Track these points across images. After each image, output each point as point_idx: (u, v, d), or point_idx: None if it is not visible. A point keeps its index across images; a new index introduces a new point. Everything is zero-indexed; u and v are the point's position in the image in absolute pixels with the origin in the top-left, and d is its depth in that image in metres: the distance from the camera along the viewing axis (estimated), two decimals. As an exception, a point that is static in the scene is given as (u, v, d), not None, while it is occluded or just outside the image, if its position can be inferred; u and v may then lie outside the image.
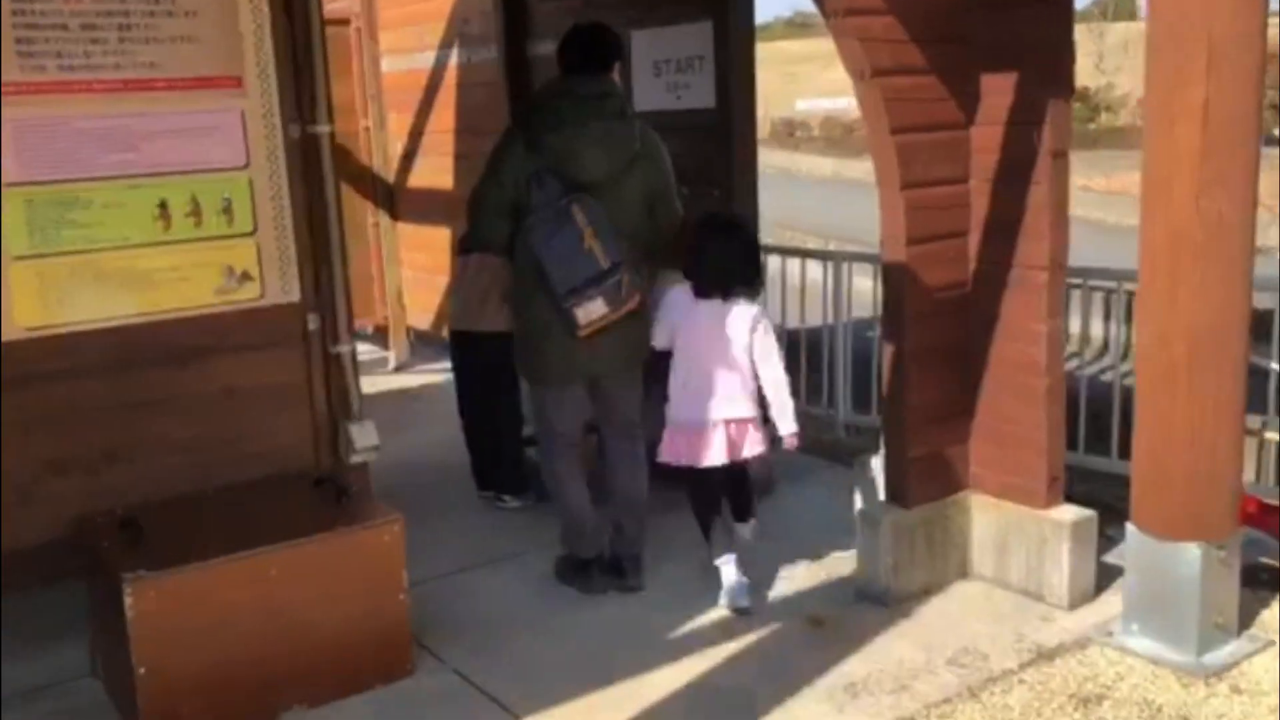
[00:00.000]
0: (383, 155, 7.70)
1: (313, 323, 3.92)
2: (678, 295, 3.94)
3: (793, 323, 6.28)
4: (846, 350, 5.93)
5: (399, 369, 7.79)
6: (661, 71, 5.27)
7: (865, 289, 5.85)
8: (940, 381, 3.92)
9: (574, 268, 3.58)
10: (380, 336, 8.08)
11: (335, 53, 7.80)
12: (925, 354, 3.88)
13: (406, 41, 7.40)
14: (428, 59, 7.17)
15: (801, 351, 6.03)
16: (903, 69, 3.65)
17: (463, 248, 5.01)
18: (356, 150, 7.70)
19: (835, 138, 39.62)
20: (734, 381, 3.86)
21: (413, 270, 7.79)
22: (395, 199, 7.78)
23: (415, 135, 7.44)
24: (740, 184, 4.98)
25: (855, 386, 5.96)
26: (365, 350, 8.32)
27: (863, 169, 20.71)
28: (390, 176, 7.75)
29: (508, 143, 3.79)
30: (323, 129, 3.84)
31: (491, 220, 3.81)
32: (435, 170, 7.30)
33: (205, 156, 3.69)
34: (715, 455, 3.85)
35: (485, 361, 4.80)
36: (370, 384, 7.10)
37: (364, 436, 3.97)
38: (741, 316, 3.88)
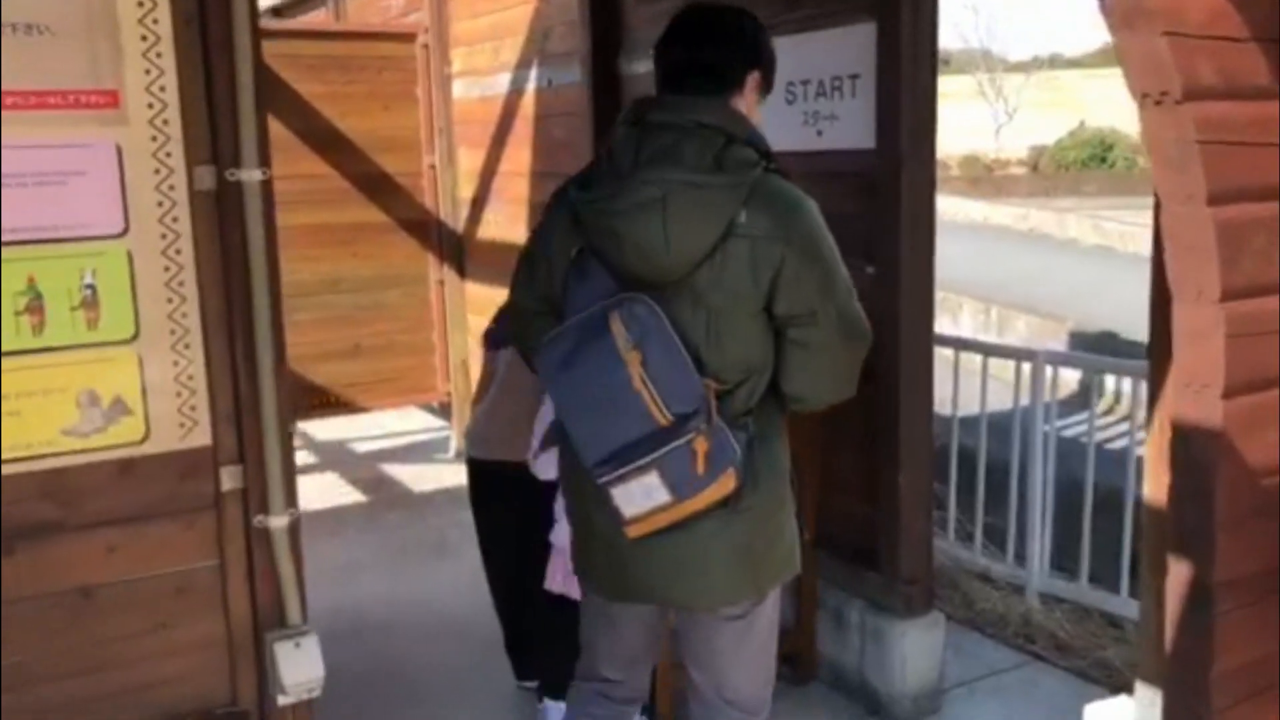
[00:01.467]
0: (450, 200, 6.35)
1: (230, 480, 2.47)
2: None
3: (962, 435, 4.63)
4: (1047, 479, 4.26)
5: (460, 456, 6.35)
6: (796, 97, 3.72)
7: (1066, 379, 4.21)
8: (1266, 633, 2.27)
9: (608, 421, 2.08)
10: (444, 410, 6.70)
11: (398, 76, 6.54)
12: (1244, 587, 2.23)
13: (480, 61, 6.01)
14: (502, 83, 5.76)
15: (980, 474, 4.39)
16: (1236, 90, 2.04)
17: (491, 341, 3.55)
18: (418, 193, 6.36)
19: (977, 177, 37.40)
20: None
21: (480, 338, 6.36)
22: (464, 253, 6.39)
23: (487, 176, 6.04)
24: (910, 260, 3.37)
25: (1058, 533, 4.29)
26: (423, 430, 7.02)
27: (1011, 214, 18.78)
28: (459, 226, 6.37)
29: (552, 207, 2.28)
30: (251, 175, 2.39)
31: (522, 324, 2.34)
32: (509, 220, 5.87)
33: (54, 217, 2.28)
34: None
35: (519, 504, 3.31)
36: (421, 476, 5.71)
37: (299, 666, 2.49)
38: None
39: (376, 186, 6.22)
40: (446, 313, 6.44)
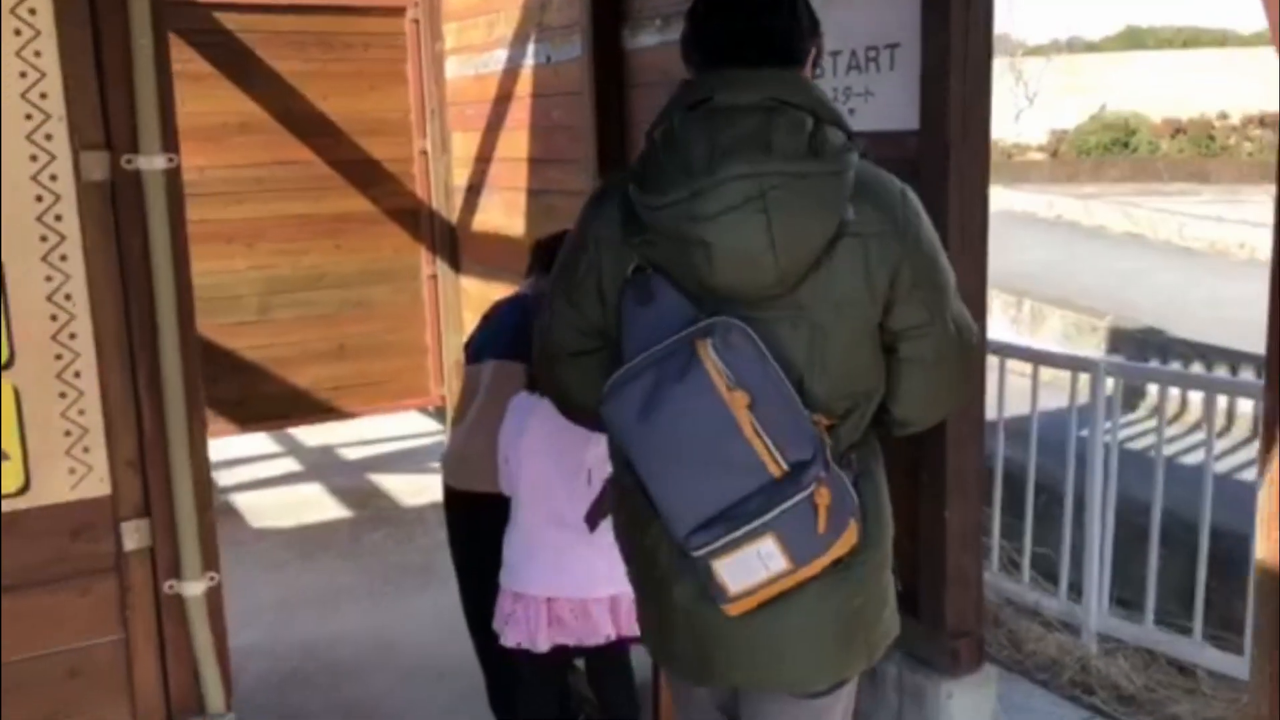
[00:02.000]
0: (443, 188, 5.86)
1: (134, 538, 2.01)
2: (518, 401, 2.78)
3: (1005, 447, 4.13)
4: (1107, 501, 3.77)
5: (456, 466, 5.88)
6: (824, 71, 3.22)
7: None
8: None
9: (707, 479, 1.66)
10: (439, 414, 6.23)
11: (386, 53, 6.06)
12: None
13: (474, 37, 5.52)
14: (498, 60, 5.28)
15: (1028, 495, 3.91)
16: None
17: (472, 352, 3.09)
18: (408, 180, 5.88)
19: (996, 163, 36.65)
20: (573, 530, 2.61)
21: (477, 340, 5.89)
22: (458, 245, 5.91)
23: (483, 162, 5.56)
24: (960, 262, 2.86)
25: (1117, 567, 3.80)
26: (416, 435, 6.56)
27: (1035, 200, 18.17)
28: (453, 216, 5.89)
29: (591, 217, 1.83)
30: (153, 163, 1.92)
31: (560, 369, 1.89)
32: (506, 209, 5.39)
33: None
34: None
35: (497, 539, 2.86)
36: (411, 488, 5.25)
37: (217, 767, 2.02)
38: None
39: (363, 173, 5.74)
40: (440, 310, 5.97)
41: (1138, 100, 30.08)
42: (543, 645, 2.74)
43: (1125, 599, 3.86)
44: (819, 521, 1.64)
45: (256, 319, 5.62)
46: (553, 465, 2.75)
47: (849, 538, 1.69)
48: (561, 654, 2.80)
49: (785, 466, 1.63)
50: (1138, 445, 5.72)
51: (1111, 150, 30.20)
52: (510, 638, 2.78)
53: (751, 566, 1.66)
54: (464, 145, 5.71)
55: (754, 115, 1.68)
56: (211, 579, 2.02)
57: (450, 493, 3.13)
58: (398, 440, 6.47)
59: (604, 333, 1.78)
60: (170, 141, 1.90)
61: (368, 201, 5.77)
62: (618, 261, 1.72)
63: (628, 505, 1.84)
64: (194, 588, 2.00)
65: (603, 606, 2.72)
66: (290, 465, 6.12)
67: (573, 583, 2.73)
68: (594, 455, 2.67)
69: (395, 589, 4.46)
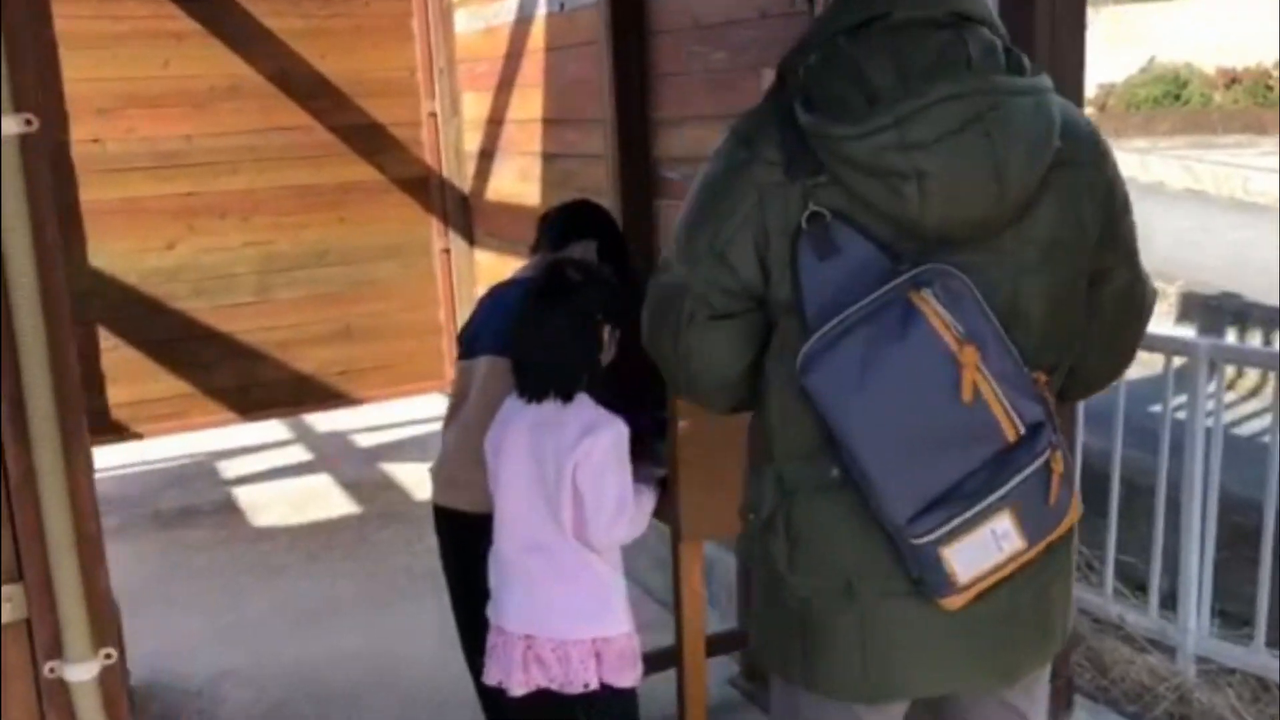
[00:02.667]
0: (455, 154, 5.40)
1: (7, 608, 1.57)
2: (506, 407, 2.42)
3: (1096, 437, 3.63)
4: (1208, 500, 3.26)
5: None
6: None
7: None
8: None
9: (937, 451, 1.44)
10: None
11: (390, 7, 5.53)
12: None
13: (483, -15, 5.04)
14: (509, 9, 4.79)
15: (1112, 493, 3.42)
16: None
17: (466, 344, 2.66)
18: (417, 146, 5.42)
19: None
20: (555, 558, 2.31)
21: (493, 318, 5.44)
22: (471, 216, 5.46)
23: (496, 125, 5.09)
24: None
25: (1219, 576, 3.30)
26: (434, 419, 6.13)
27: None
28: (465, 185, 5.43)
29: (743, 160, 1.52)
30: (5, 127, 1.46)
31: (696, 337, 1.57)
32: (521, 177, 4.92)
33: None
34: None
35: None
36: (425, 479, 4.81)
37: None
38: (571, 427, 2.28)
39: (367, 139, 5.30)
40: (454, 287, 5.54)
41: (1189, 51, 28.99)
42: (517, 688, 2.35)
43: (1230, 614, 3.37)
44: (1051, 492, 1.45)
45: (255, 299, 5.21)
46: (534, 481, 2.34)
47: (1074, 510, 1.51)
48: (548, 699, 2.37)
49: (1021, 430, 1.43)
50: (1244, 431, 5.18)
51: (1162, 103, 29.16)
52: (490, 674, 2.41)
53: (986, 548, 1.45)
54: (475, 106, 5.25)
55: (942, 31, 1.45)
56: (107, 657, 1.58)
57: (439, 511, 2.69)
58: (411, 425, 6.04)
59: (754, 293, 1.52)
60: (26, 97, 1.44)
61: (373, 170, 5.34)
62: (784, 210, 1.46)
63: (826, 506, 1.54)
64: (82, 670, 1.56)
65: (585, 650, 2.31)
66: (297, 454, 5.71)
67: (553, 620, 2.32)
68: (582, 466, 2.24)
69: (400, 598, 4.04)
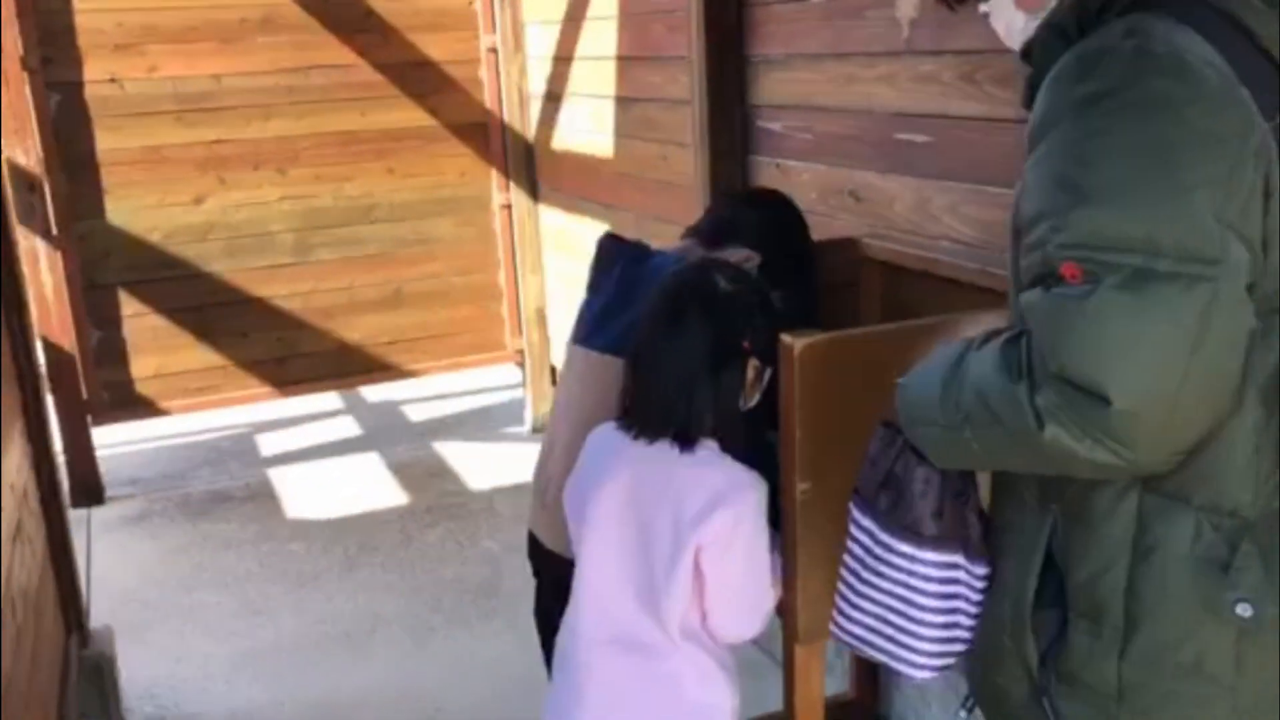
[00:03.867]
0: (518, 97, 4.76)
1: None
2: (599, 437, 1.86)
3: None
4: None
5: (539, 431, 4.90)
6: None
7: None
8: None
9: None
10: (519, 373, 5.21)
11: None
12: None
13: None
14: (580, -73, 4.11)
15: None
16: None
17: (594, 330, 2.05)
18: (474, 88, 4.79)
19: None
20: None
21: (558, 281, 4.83)
22: (536, 168, 4.82)
23: (564, 63, 4.42)
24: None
25: None
26: (494, 389, 5.57)
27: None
28: (529, 132, 4.79)
29: (1219, 92, 1.13)
30: None
31: (1225, 371, 1.14)
32: (592, 124, 4.26)
33: None
34: None
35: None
36: (483, 462, 4.24)
37: None
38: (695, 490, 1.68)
39: (418, 79, 4.68)
40: (515, 248, 4.92)
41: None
42: None
43: None
44: None
45: (294, 261, 4.65)
46: (631, 555, 1.75)
47: None
48: None
49: None
50: None
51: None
52: None
53: None
54: (541, 41, 4.58)
55: None
56: None
57: (536, 547, 2.10)
58: (471, 395, 5.49)
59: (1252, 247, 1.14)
60: None
61: (425, 114, 4.72)
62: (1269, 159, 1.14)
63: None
64: None
65: None
66: (342, 429, 5.19)
67: None
68: (711, 548, 1.65)
69: (445, 619, 3.49)
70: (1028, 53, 1.35)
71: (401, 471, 4.67)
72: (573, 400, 2.07)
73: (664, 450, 1.73)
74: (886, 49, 2.61)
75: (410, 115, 4.69)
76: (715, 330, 1.73)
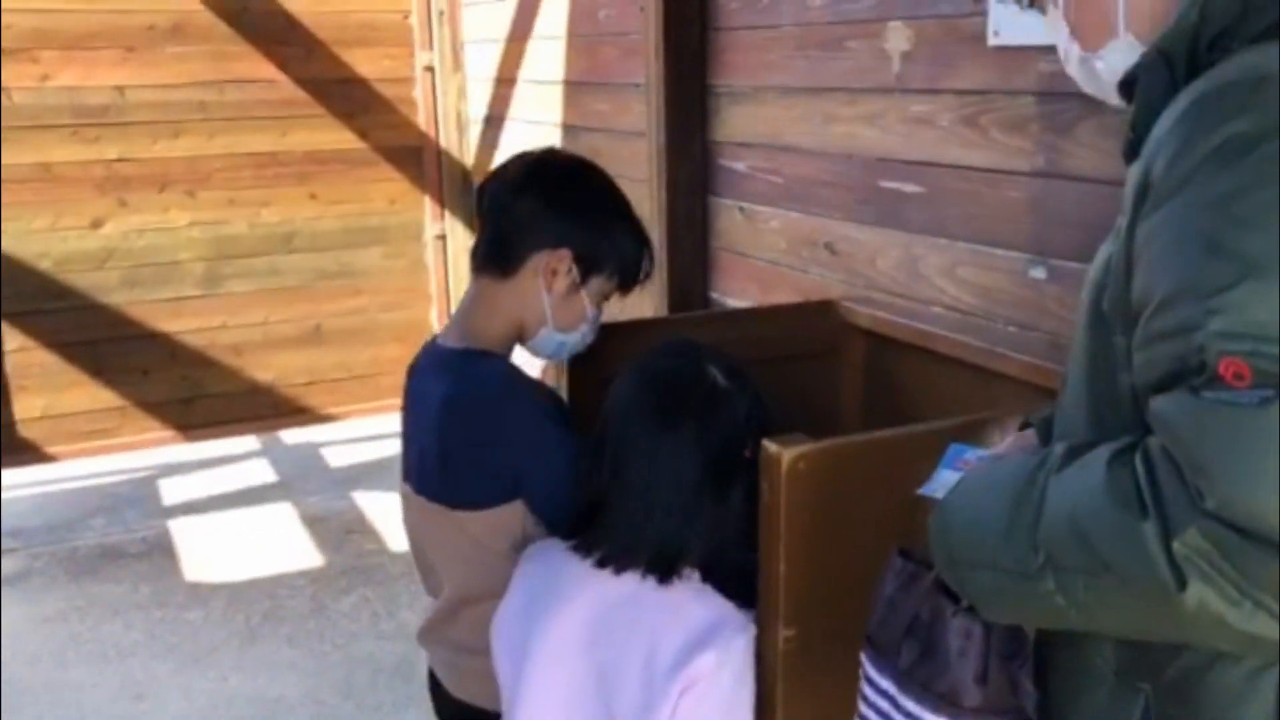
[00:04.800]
0: (455, 120, 4.40)
1: None
2: (541, 561, 1.50)
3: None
4: None
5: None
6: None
7: None
8: None
9: None
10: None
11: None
12: None
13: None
14: (525, -61, 3.78)
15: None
16: None
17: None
18: (408, 108, 4.43)
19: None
20: None
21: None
22: (474, 195, 4.46)
23: (505, 85, 4.08)
24: None
25: None
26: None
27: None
28: (467, 157, 4.43)
29: None
30: None
31: None
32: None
33: None
34: None
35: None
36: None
37: None
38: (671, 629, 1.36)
39: (346, 98, 4.33)
40: (449, 281, 4.55)
41: None
42: None
43: None
44: None
45: (203, 293, 4.24)
46: (582, 702, 1.41)
47: None
48: None
49: None
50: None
51: None
52: None
53: None
54: (482, 61, 4.23)
55: None
56: None
57: (442, 697, 1.72)
58: (396, 440, 5.08)
59: None
60: None
61: (352, 136, 4.36)
62: None
63: None
64: None
65: None
66: (256, 475, 4.75)
67: None
68: (692, 694, 1.32)
69: (356, 707, 3.09)
70: (1129, 84, 1.05)
71: (316, 526, 4.25)
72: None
73: (633, 581, 1.38)
74: (872, 85, 2.29)
75: (336, 136, 4.32)
76: (716, 438, 1.39)
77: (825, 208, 2.48)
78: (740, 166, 2.78)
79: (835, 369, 2.19)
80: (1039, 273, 1.96)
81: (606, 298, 1.67)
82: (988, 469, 1.10)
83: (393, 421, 4.90)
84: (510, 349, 1.66)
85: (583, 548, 1.44)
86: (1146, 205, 0.95)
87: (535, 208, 1.59)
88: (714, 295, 2.93)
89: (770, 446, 1.34)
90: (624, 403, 1.45)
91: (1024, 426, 1.37)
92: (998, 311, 2.05)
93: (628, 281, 1.66)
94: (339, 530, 4.21)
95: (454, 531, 1.58)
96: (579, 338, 1.67)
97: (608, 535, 1.42)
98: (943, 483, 1.29)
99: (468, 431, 1.55)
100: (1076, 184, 1.87)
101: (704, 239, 2.93)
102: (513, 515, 1.55)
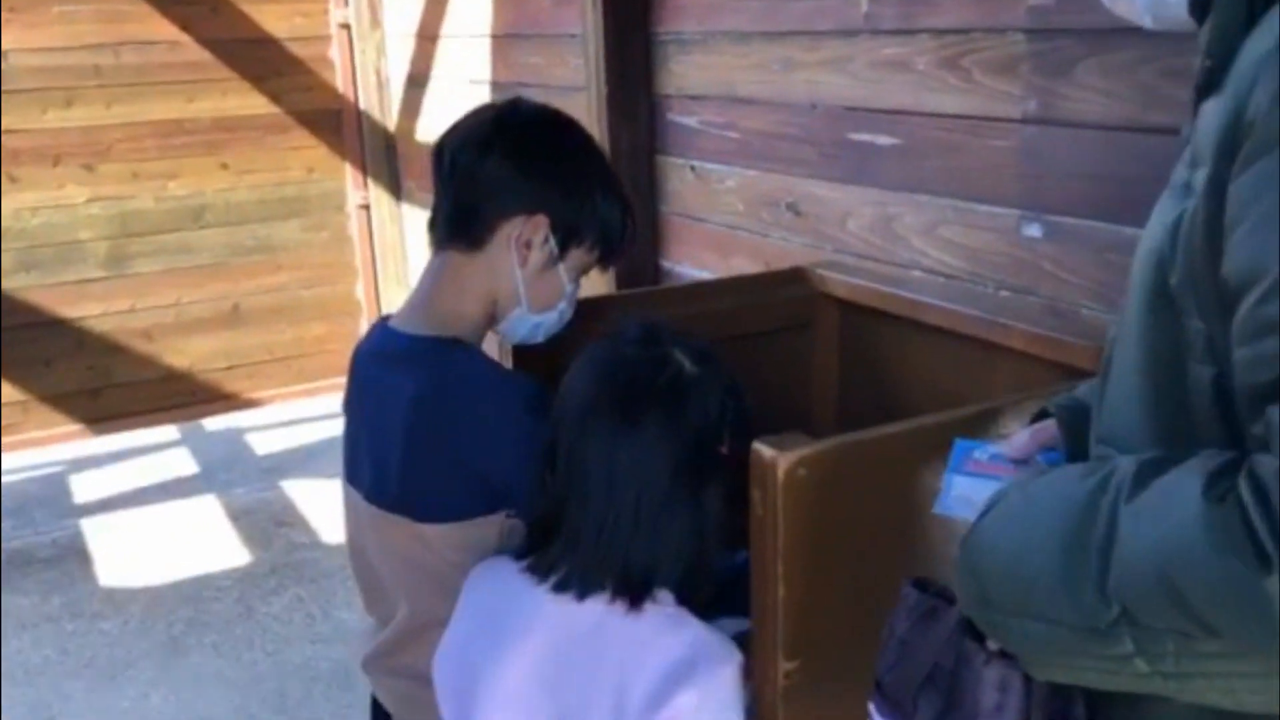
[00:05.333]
0: (376, 80, 4.10)
1: None
2: (489, 583, 1.28)
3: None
4: None
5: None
6: None
7: None
8: None
9: None
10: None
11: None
12: None
13: None
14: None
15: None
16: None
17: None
18: (325, 69, 4.13)
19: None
20: None
21: (428, 297, 4.19)
22: (398, 162, 4.18)
23: (428, 41, 3.80)
24: None
25: None
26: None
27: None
28: (389, 121, 4.14)
29: None
30: None
31: None
32: (462, 112, 3.64)
33: None
34: None
35: None
36: (339, 503, 3.65)
37: None
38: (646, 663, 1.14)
39: (256, 60, 4.03)
40: (375, 253, 4.27)
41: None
42: None
43: None
44: None
45: (107, 275, 3.93)
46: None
47: None
48: None
49: None
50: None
51: None
52: None
53: None
54: (402, 16, 3.94)
55: None
56: None
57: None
58: (325, 422, 4.81)
59: None
60: None
61: (265, 100, 4.06)
62: None
63: None
64: None
65: None
66: (176, 466, 4.46)
67: None
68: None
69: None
70: (1203, 5, 0.84)
71: (242, 520, 3.99)
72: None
73: (599, 607, 1.17)
74: (837, 26, 2.08)
75: (247, 101, 4.02)
76: (686, 434, 1.17)
77: (787, 164, 2.26)
78: (691, 122, 2.55)
79: (808, 344, 1.97)
80: (1033, 230, 1.77)
81: (585, 272, 1.46)
82: (1024, 486, 0.89)
83: (321, 404, 4.68)
84: (483, 334, 1.44)
85: (538, 568, 1.23)
86: (1245, 152, 0.74)
87: (505, 169, 1.37)
88: (665, 265, 2.71)
89: (764, 450, 1.12)
90: (577, 398, 1.24)
91: (1039, 415, 1.16)
92: (986, 275, 1.85)
93: (609, 253, 1.45)
94: (267, 523, 3.95)
95: (418, 548, 1.36)
96: (556, 317, 1.46)
97: (567, 554, 1.21)
98: (960, 495, 1.08)
99: (443, 436, 1.32)
100: (1075, 130, 1.67)
101: (652, 203, 2.70)
102: (490, 529, 1.34)
